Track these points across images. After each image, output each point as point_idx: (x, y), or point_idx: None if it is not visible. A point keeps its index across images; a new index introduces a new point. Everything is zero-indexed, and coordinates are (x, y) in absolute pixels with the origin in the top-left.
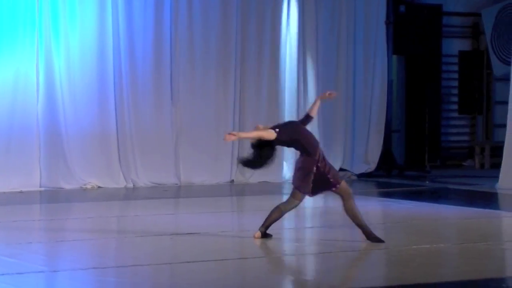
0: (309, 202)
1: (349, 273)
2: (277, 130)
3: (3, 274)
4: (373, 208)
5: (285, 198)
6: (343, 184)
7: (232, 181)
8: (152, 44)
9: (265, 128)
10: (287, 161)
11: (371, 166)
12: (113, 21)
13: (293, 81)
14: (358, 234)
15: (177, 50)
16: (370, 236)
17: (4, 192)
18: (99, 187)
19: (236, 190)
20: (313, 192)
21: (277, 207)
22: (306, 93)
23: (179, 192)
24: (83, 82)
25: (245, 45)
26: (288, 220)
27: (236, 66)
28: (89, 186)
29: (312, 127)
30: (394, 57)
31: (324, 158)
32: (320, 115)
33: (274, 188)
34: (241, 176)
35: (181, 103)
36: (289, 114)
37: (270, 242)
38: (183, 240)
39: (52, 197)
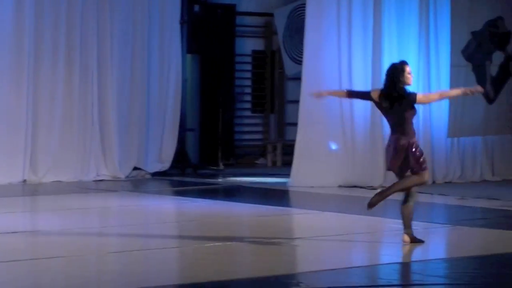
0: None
1: (141, 272)
2: None
3: None
4: (167, 206)
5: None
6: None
7: (25, 180)
8: None
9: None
10: (77, 161)
11: (165, 164)
12: None
13: (88, 80)
14: (155, 232)
15: None
16: None
17: None
18: None
19: (29, 190)
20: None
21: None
22: (101, 93)
23: None
24: None
25: (40, 45)
26: (87, 219)
27: (29, 64)
28: None
29: (103, 126)
30: (189, 56)
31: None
32: (115, 112)
33: (68, 188)
34: (34, 175)
35: None
36: (82, 113)
37: (64, 242)
38: None
39: None
